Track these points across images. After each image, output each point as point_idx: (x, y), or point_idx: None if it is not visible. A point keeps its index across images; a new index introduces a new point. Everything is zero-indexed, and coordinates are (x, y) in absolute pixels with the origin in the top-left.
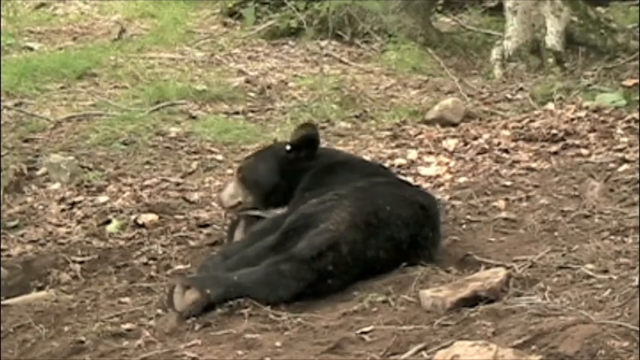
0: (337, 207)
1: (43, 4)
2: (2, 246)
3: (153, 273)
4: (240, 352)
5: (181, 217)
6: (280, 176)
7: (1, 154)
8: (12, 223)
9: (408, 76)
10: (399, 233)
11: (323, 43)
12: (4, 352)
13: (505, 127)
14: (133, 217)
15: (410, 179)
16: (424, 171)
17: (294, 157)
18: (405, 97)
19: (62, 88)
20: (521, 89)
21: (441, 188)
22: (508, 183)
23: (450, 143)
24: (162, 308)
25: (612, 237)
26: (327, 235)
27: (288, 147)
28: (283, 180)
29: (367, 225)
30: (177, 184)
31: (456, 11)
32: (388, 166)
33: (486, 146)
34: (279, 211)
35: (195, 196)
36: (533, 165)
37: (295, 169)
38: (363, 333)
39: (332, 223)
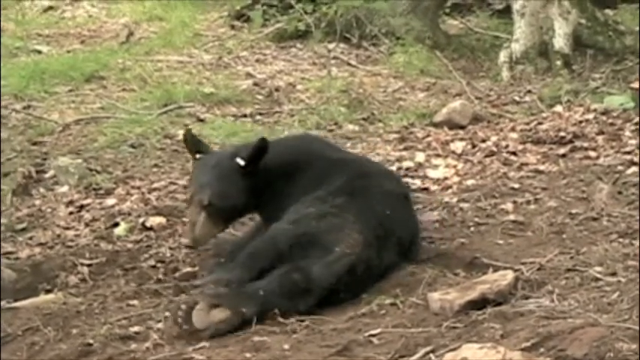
0: (345, 227)
1: (51, 7)
2: (11, 249)
3: (161, 276)
4: (248, 355)
5: None
6: (246, 191)
7: (10, 157)
8: (20, 226)
9: (416, 78)
10: (403, 234)
11: (331, 46)
12: (12, 355)
13: (513, 129)
14: (140, 219)
15: (418, 182)
16: (432, 173)
17: (251, 168)
18: (412, 99)
19: (70, 91)
20: (529, 92)
21: (449, 191)
22: (516, 185)
23: (458, 146)
24: (171, 311)
25: (620, 239)
26: (345, 261)
27: (241, 161)
28: (249, 193)
29: (377, 239)
30: (185, 186)
31: (463, 14)
32: (396, 169)
33: (494, 149)
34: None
35: None
36: (542, 167)
37: (256, 179)
38: (371, 336)
39: (347, 246)
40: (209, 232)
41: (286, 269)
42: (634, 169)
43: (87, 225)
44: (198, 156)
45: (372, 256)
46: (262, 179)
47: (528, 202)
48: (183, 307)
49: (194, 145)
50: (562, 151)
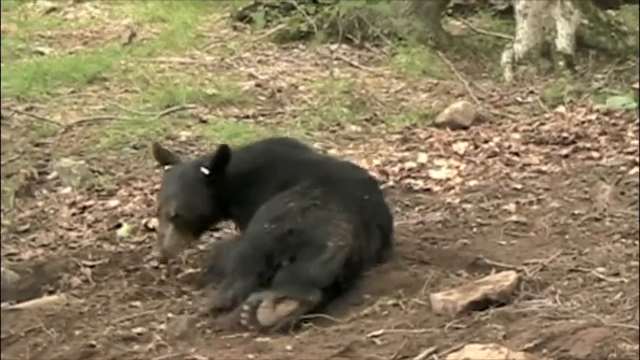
0: (332, 218)
1: (53, 9)
2: (13, 250)
3: (163, 277)
4: (250, 356)
5: None
6: (213, 199)
7: (12, 158)
8: (23, 227)
9: (419, 79)
10: (381, 219)
11: (333, 47)
12: (15, 356)
13: (515, 130)
14: (143, 221)
15: (420, 183)
16: (434, 174)
17: (216, 176)
18: (415, 100)
19: (73, 92)
20: (531, 92)
21: (452, 191)
22: (519, 186)
23: (461, 146)
24: (173, 312)
25: (623, 240)
26: (340, 256)
27: (205, 170)
28: (216, 201)
29: (365, 225)
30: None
31: (466, 14)
32: (398, 170)
33: (497, 149)
34: None
35: None
36: (544, 168)
37: (221, 186)
38: (373, 336)
39: (339, 238)
40: (178, 243)
41: (294, 276)
42: (637, 169)
43: (89, 226)
44: (166, 167)
45: (363, 244)
46: (229, 187)
47: (531, 203)
48: (246, 307)
49: (163, 157)
50: (564, 151)
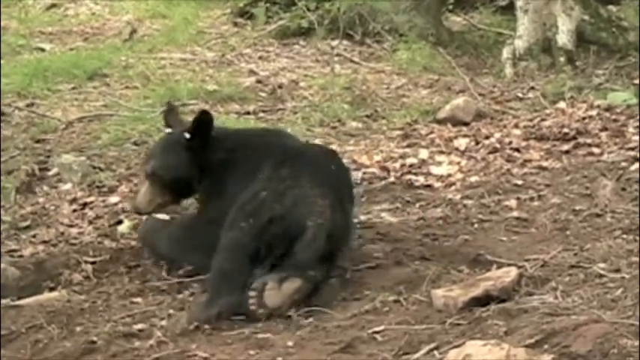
0: (307, 195)
1: (54, 5)
2: (14, 246)
3: (164, 273)
4: (252, 352)
5: None
6: (191, 165)
7: (13, 154)
8: (24, 224)
9: (419, 75)
10: (349, 189)
11: (334, 43)
12: (16, 353)
13: (516, 126)
14: (144, 217)
15: (421, 179)
16: (435, 170)
17: (197, 142)
18: (416, 96)
19: (73, 88)
20: (532, 88)
21: (453, 187)
22: (520, 182)
23: (462, 142)
24: (174, 308)
25: (624, 236)
26: (322, 233)
27: (187, 135)
28: (194, 168)
29: (338, 198)
30: None
31: (467, 10)
32: (399, 166)
33: (498, 145)
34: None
35: None
36: (545, 164)
37: (201, 154)
38: (374, 333)
39: (317, 216)
40: (151, 200)
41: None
42: (637, 165)
43: (90, 223)
44: (167, 131)
45: (337, 218)
46: (207, 156)
47: (532, 199)
48: (253, 293)
49: (170, 121)
50: (565, 147)
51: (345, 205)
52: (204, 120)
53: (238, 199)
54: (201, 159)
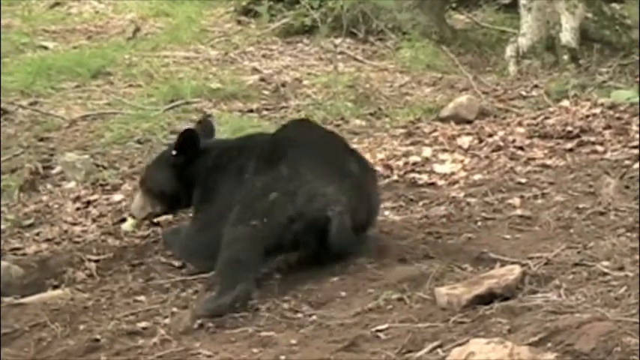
0: (317, 188)
1: (57, 4)
2: (18, 245)
3: (168, 271)
4: (255, 350)
5: None
6: (177, 180)
7: (17, 153)
8: (27, 222)
9: (423, 73)
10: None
11: (337, 41)
12: (20, 351)
13: (520, 124)
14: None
15: (425, 177)
16: (439, 168)
17: (182, 159)
18: (419, 94)
19: (77, 86)
20: (535, 86)
21: (456, 186)
22: (523, 180)
23: (465, 140)
24: (178, 306)
25: (628, 234)
26: (344, 221)
27: (173, 152)
28: (181, 183)
29: (343, 175)
30: None
31: (470, 8)
32: (403, 164)
33: (501, 143)
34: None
35: None
36: (549, 162)
37: (187, 169)
38: (378, 331)
39: (334, 205)
40: (142, 208)
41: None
42: None
43: (94, 221)
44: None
45: (355, 199)
46: (197, 169)
47: (535, 197)
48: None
49: (201, 130)
50: (569, 145)
51: (351, 174)
52: (187, 137)
53: (236, 196)
54: (189, 174)
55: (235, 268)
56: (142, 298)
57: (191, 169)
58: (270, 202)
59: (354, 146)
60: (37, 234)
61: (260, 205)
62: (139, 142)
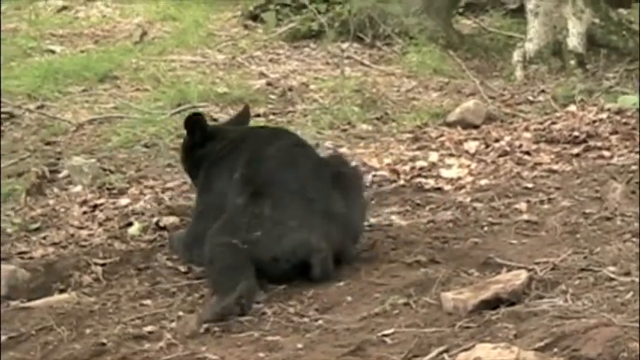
0: (301, 232)
1: (65, 7)
2: (24, 248)
3: (174, 275)
4: (261, 355)
5: None
6: (191, 161)
7: (23, 156)
8: (34, 226)
9: (429, 78)
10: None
11: (344, 46)
12: (26, 355)
13: (527, 129)
14: (154, 219)
15: (431, 182)
16: (445, 173)
17: (191, 141)
18: (426, 99)
19: (84, 90)
20: (542, 91)
21: (463, 190)
22: (530, 185)
23: (472, 145)
24: (184, 310)
25: (634, 239)
26: (329, 263)
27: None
28: (193, 163)
29: (326, 201)
30: None
31: (477, 13)
32: (409, 168)
33: (508, 148)
34: None
35: None
36: (555, 167)
37: (198, 151)
38: (384, 335)
39: (317, 242)
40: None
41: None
42: None
43: (100, 224)
44: None
45: (334, 229)
46: (205, 152)
47: (542, 202)
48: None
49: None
50: (576, 150)
51: (335, 216)
52: (193, 122)
53: (222, 199)
54: (199, 155)
55: (230, 273)
56: (148, 302)
57: (200, 153)
58: (255, 240)
59: (359, 151)
60: (44, 238)
61: (244, 236)
62: (145, 146)
